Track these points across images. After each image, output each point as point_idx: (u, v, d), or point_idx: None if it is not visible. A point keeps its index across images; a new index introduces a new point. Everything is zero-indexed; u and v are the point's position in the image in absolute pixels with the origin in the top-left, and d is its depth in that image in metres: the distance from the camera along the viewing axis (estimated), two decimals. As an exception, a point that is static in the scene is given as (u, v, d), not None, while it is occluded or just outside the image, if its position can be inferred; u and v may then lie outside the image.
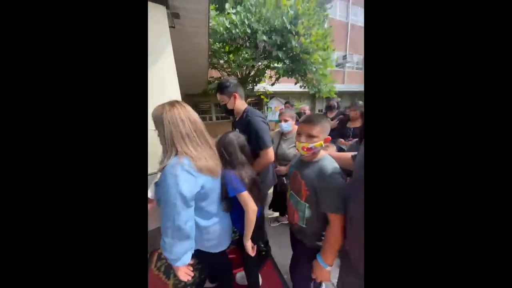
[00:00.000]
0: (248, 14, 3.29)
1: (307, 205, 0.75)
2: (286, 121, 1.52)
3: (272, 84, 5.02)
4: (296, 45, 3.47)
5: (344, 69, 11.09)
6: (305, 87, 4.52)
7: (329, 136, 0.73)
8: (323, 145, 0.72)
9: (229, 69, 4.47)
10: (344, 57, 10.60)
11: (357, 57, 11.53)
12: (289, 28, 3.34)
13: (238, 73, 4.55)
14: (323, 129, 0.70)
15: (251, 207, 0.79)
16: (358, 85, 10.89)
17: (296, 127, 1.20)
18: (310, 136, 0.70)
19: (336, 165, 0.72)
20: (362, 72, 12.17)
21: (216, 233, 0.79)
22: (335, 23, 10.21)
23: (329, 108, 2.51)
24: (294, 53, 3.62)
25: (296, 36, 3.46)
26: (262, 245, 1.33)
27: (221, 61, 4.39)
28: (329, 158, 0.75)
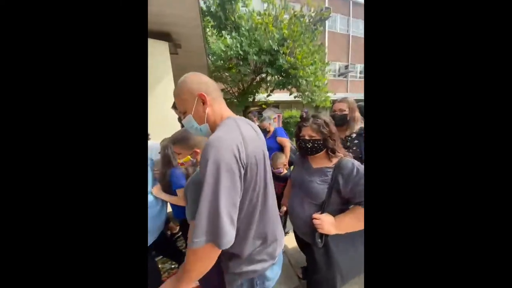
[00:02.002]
0: (242, 39, 3.96)
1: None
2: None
3: (268, 95, 5.57)
4: (284, 62, 4.03)
5: (347, 78, 11.36)
6: (300, 96, 5.02)
7: (196, 149, 0.83)
8: (192, 158, 0.85)
9: (231, 82, 5.14)
10: (346, 67, 10.91)
11: (360, 67, 11.77)
12: (276, 49, 3.94)
13: (239, 86, 5.21)
14: (182, 147, 0.83)
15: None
16: (361, 94, 11.01)
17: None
18: (178, 154, 0.85)
19: None
20: (366, 80, 12.31)
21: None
22: (336, 36, 10.70)
23: (301, 117, 2.94)
24: (283, 68, 4.19)
25: (283, 55, 4.03)
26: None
27: (224, 75, 5.08)
28: None
